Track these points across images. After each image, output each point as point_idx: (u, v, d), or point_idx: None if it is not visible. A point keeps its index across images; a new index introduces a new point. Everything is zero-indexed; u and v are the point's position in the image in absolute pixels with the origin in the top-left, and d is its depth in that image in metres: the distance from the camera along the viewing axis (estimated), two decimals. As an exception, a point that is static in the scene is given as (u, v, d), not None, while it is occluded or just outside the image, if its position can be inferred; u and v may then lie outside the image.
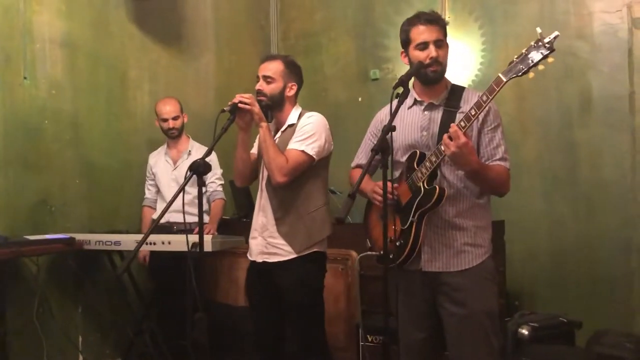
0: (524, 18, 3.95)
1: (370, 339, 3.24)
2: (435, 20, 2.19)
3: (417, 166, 2.17)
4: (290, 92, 2.69)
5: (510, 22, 4.01)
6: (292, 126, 2.64)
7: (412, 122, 2.26)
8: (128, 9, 3.98)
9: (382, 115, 2.42)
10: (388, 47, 4.52)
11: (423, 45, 2.17)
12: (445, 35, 2.21)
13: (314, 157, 2.55)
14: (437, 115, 2.22)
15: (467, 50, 4.15)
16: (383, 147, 1.92)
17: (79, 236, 3.30)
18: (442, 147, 2.05)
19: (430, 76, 2.20)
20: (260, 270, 2.64)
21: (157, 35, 4.15)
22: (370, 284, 3.40)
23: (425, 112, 2.25)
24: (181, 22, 4.36)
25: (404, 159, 2.26)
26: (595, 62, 3.73)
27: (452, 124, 2.03)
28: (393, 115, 2.02)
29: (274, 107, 2.66)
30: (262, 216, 2.65)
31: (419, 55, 2.18)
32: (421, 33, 2.17)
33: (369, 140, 2.46)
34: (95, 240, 3.31)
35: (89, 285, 3.64)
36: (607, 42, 3.69)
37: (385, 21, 4.56)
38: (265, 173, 2.62)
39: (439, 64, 2.18)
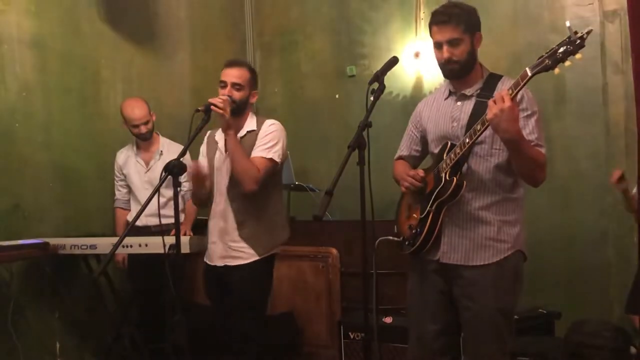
0: (498, 13, 3.98)
1: (352, 336, 3.24)
2: (449, 19, 2.12)
3: (445, 156, 2.14)
4: (253, 99, 2.77)
5: (484, 17, 3.92)
6: (251, 132, 2.71)
7: (445, 113, 2.24)
8: (99, 7, 3.90)
9: (422, 106, 2.39)
10: (364, 43, 4.52)
11: (438, 45, 2.16)
12: (466, 29, 2.12)
13: (279, 163, 2.70)
14: (469, 105, 2.17)
15: (442, 45, 4.16)
16: (359, 143, 1.91)
17: (54, 240, 3.23)
18: (473, 131, 2.01)
19: (447, 74, 2.20)
20: (219, 274, 2.71)
21: (130, 34, 4.08)
22: (351, 281, 3.40)
23: (458, 103, 2.21)
24: (154, 21, 4.29)
25: (437, 150, 2.23)
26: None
27: (503, 89, 1.98)
28: (369, 111, 2.02)
29: (238, 113, 2.69)
30: (221, 221, 2.70)
31: (436, 53, 2.18)
32: (435, 34, 2.16)
33: (411, 131, 2.42)
34: (71, 244, 3.24)
35: (65, 291, 3.56)
36: (579, 36, 3.73)
37: (360, 17, 4.56)
38: (224, 179, 2.68)
39: (455, 62, 2.14)
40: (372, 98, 2.07)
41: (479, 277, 2.11)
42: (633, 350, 2.99)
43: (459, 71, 2.17)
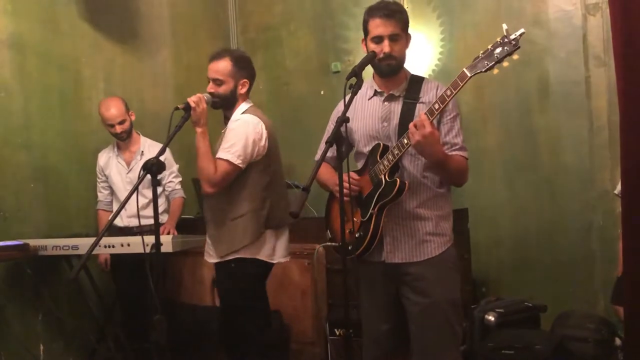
0: (481, 7, 3.97)
1: (338, 333, 3.23)
2: (393, 14, 2.16)
3: (380, 158, 2.16)
4: (242, 90, 2.67)
5: (468, 11, 4.03)
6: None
7: (373, 113, 2.26)
8: (79, 5, 3.85)
9: (340, 107, 2.39)
10: (348, 39, 4.50)
11: (378, 39, 2.17)
12: (404, 28, 2.19)
13: (240, 165, 2.52)
14: (397, 106, 2.22)
15: (426, 41, 4.15)
16: (337, 138, 1.89)
17: (35, 242, 3.20)
18: (407, 137, 2.04)
19: (383, 69, 2.20)
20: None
21: (110, 32, 4.04)
22: (337, 278, 3.39)
23: (385, 103, 2.25)
24: (135, 18, 4.24)
25: (366, 150, 2.25)
26: (551, 48, 3.77)
27: (421, 113, 2.03)
28: (347, 106, 2.01)
29: (227, 106, 2.64)
30: None
31: (374, 47, 2.18)
32: (377, 26, 2.16)
33: (330, 130, 2.42)
34: (52, 245, 3.21)
35: (48, 292, 3.52)
36: (562, 29, 3.73)
37: (344, 13, 4.53)
38: None
39: (393, 58, 2.17)
40: (350, 94, 2.06)
41: (424, 271, 2.17)
42: (618, 341, 3.00)
43: (395, 67, 2.20)
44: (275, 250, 2.67)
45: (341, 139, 1.92)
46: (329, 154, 2.35)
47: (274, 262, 2.68)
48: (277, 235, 2.68)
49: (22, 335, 3.39)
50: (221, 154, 2.51)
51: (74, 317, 3.64)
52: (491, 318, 3.10)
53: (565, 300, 3.57)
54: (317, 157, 2.53)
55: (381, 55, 2.15)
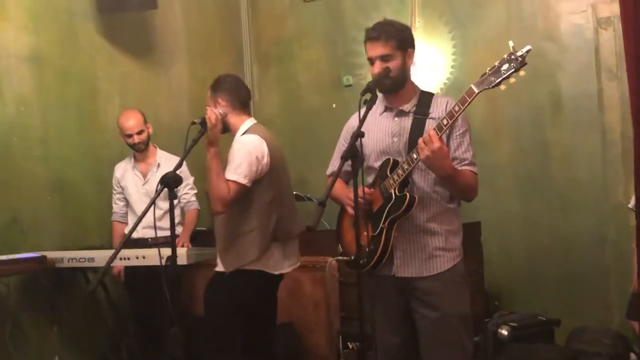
0: (492, 21, 3.99)
1: (351, 346, 3.23)
2: (377, 37, 2.21)
3: (390, 173, 2.19)
4: (232, 117, 2.70)
5: (479, 25, 4.05)
6: None
7: (384, 129, 2.29)
8: (96, 22, 3.93)
9: (352, 122, 2.43)
10: (360, 53, 4.52)
11: (370, 62, 2.25)
12: (398, 46, 2.21)
13: (247, 184, 2.58)
14: (407, 122, 2.25)
15: (437, 54, 4.17)
16: (353, 153, 1.92)
17: (51, 254, 3.24)
18: (417, 152, 2.07)
19: (380, 89, 2.24)
20: None
21: (126, 47, 4.11)
22: (350, 291, 3.39)
23: (396, 119, 2.28)
24: (151, 34, 4.32)
25: (377, 164, 2.28)
26: (563, 62, 3.78)
27: (430, 128, 2.06)
28: (362, 121, 2.04)
29: (228, 130, 2.73)
30: None
31: (370, 69, 2.26)
32: (368, 49, 2.25)
33: (342, 146, 2.47)
34: (68, 257, 3.25)
35: (63, 304, 3.56)
36: (574, 43, 3.75)
37: (355, 28, 4.57)
38: None
39: (389, 78, 2.21)
40: (364, 108, 2.09)
41: (434, 286, 2.18)
42: (633, 356, 2.98)
43: (392, 86, 2.24)
44: (280, 261, 2.72)
45: (356, 154, 1.95)
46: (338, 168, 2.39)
47: (280, 272, 2.73)
48: (283, 246, 2.73)
49: (38, 346, 3.43)
50: (229, 175, 2.56)
51: (89, 328, 3.67)
52: (504, 332, 3.08)
53: (579, 314, 3.55)
54: (329, 171, 2.56)
55: (375, 77, 2.21)
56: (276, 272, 2.71)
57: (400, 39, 2.22)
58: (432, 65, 4.13)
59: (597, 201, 3.66)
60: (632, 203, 2.89)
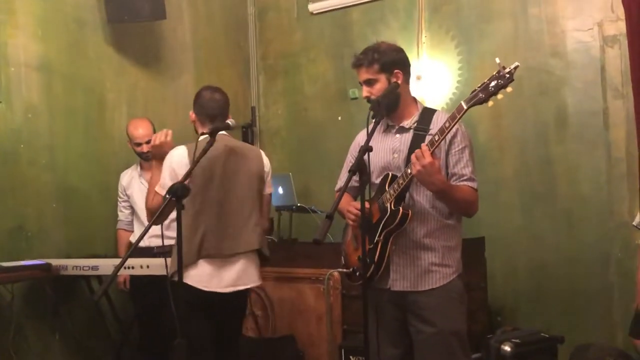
0: (499, 37, 4.02)
1: (353, 360, 3.22)
2: (360, 63, 2.30)
3: (388, 188, 2.23)
4: (200, 130, 2.78)
5: (486, 41, 4.08)
6: None
7: (386, 145, 2.34)
8: (105, 31, 3.96)
9: (360, 137, 2.48)
10: (366, 66, 4.56)
11: (361, 85, 2.34)
12: (381, 69, 2.28)
13: (163, 196, 2.53)
14: (407, 137, 2.29)
15: (444, 69, 4.20)
16: (360, 167, 1.94)
17: (56, 262, 3.24)
18: (409, 167, 2.10)
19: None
20: None
21: (134, 57, 4.14)
22: (352, 304, 3.39)
23: (397, 135, 2.33)
24: (159, 44, 4.35)
25: (378, 180, 2.32)
26: (569, 79, 3.80)
27: (422, 144, 2.10)
28: (370, 135, 2.07)
29: None
30: None
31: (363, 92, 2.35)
32: (357, 75, 2.34)
33: (349, 162, 2.50)
34: (73, 265, 3.24)
35: (66, 312, 3.56)
36: (580, 60, 3.77)
37: (363, 41, 4.57)
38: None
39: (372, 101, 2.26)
40: (372, 123, 2.12)
41: (428, 301, 2.20)
42: (637, 375, 2.96)
43: (385, 106, 2.27)
44: (209, 279, 2.60)
45: (364, 168, 1.97)
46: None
47: (209, 290, 2.60)
48: (215, 265, 2.62)
49: (40, 354, 3.42)
50: (156, 186, 2.66)
51: (91, 337, 3.66)
52: (507, 348, 3.07)
53: (582, 332, 3.53)
54: (337, 187, 2.59)
55: (365, 99, 2.30)
56: (205, 289, 2.59)
57: (383, 62, 2.27)
58: (439, 80, 4.15)
59: (602, 218, 3.66)
60: (636, 221, 2.88)
